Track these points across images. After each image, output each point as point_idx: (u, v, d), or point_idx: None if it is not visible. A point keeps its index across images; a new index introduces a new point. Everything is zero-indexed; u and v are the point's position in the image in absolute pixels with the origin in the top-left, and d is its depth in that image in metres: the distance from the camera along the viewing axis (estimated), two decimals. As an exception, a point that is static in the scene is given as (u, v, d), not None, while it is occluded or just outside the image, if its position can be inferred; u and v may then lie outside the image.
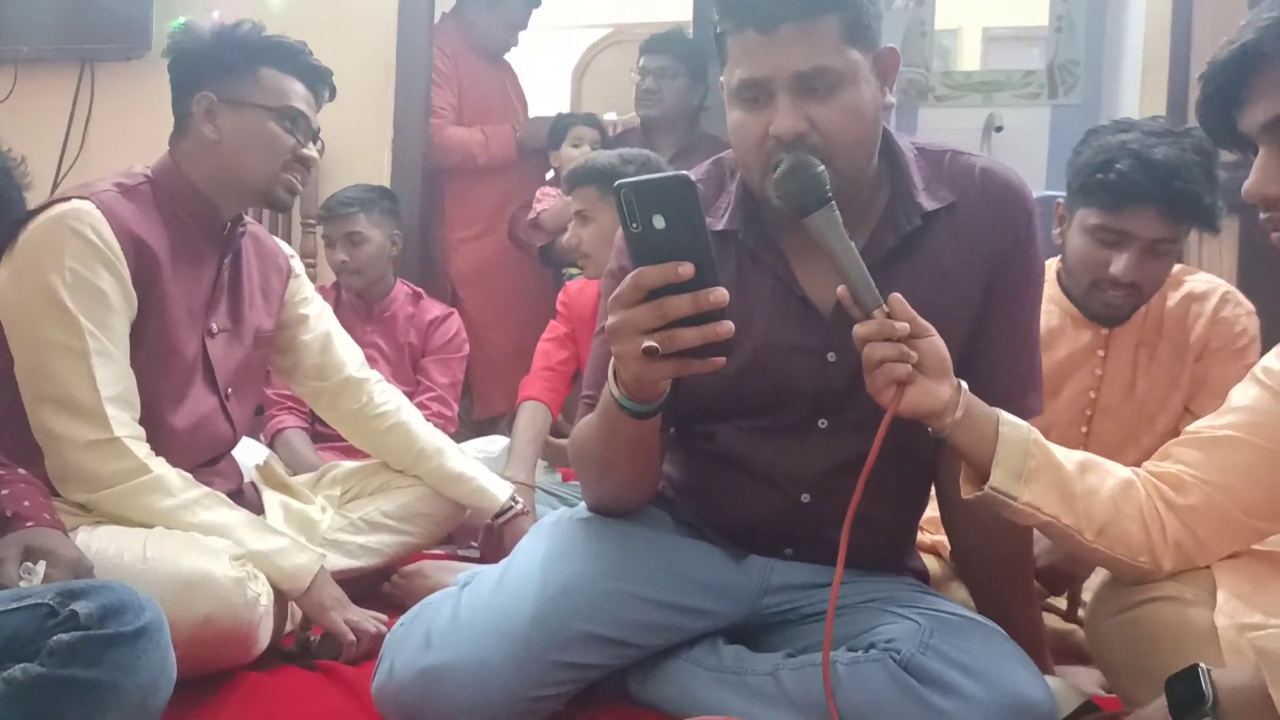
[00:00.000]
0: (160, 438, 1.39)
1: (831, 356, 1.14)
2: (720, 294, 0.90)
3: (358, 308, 2.53)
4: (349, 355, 1.71)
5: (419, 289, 2.63)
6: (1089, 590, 1.38)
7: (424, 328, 2.55)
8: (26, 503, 1.16)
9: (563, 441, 2.17)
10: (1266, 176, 0.95)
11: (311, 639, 1.39)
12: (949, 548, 1.50)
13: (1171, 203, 1.41)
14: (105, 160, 2.75)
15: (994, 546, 1.23)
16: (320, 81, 1.51)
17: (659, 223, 0.90)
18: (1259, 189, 0.96)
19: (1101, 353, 1.60)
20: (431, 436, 1.74)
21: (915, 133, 3.30)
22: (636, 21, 4.19)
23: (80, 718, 0.80)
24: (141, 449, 1.34)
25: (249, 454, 1.85)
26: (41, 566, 1.03)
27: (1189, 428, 1.12)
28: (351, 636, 1.35)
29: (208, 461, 1.51)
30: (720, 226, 1.16)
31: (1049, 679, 1.09)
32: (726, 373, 0.98)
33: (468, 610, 1.13)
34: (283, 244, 1.68)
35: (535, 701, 1.09)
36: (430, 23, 2.99)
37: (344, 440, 1.87)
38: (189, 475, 1.39)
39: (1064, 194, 1.56)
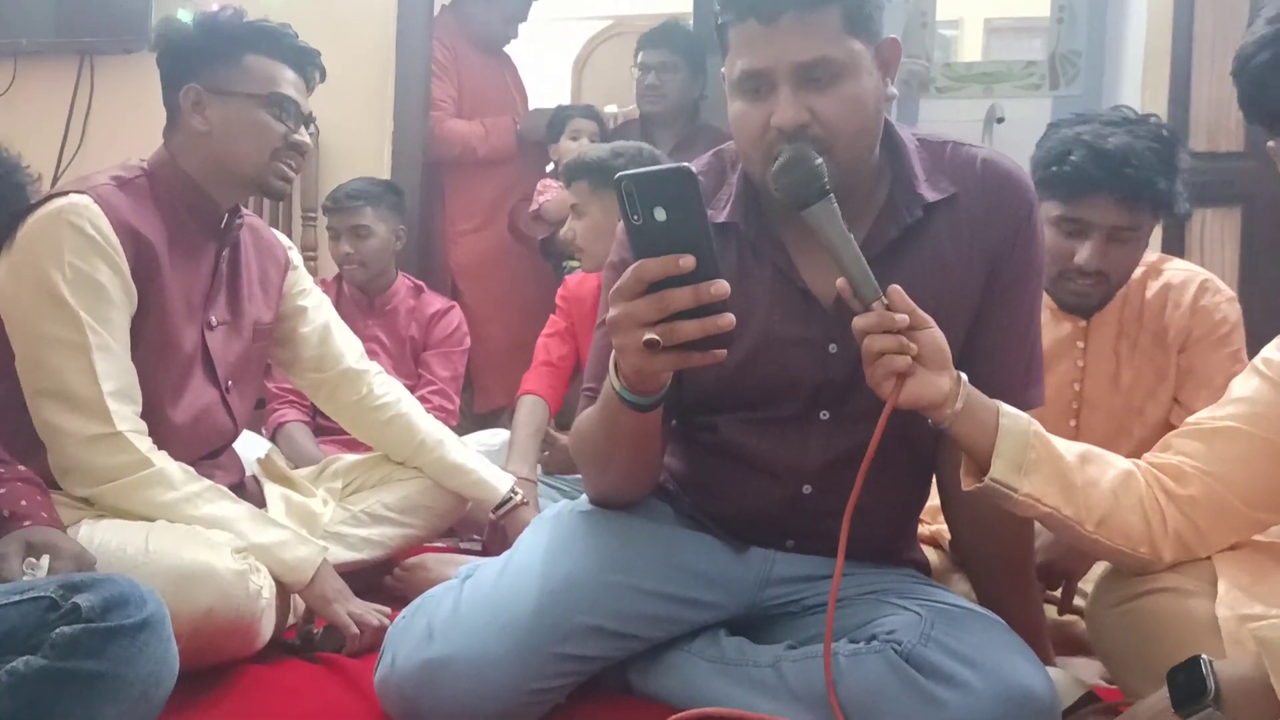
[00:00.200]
0: (161, 431, 1.39)
1: (833, 348, 1.14)
2: (721, 286, 0.90)
3: (359, 301, 2.53)
4: (348, 347, 1.70)
5: (420, 282, 2.63)
6: (1089, 581, 1.39)
7: (425, 321, 2.55)
8: (24, 501, 1.16)
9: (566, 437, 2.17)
10: None
11: (314, 631, 1.40)
12: (948, 538, 1.50)
13: (1125, 190, 1.44)
14: (105, 153, 2.74)
15: (994, 538, 1.23)
16: (308, 63, 1.50)
17: (660, 215, 0.89)
18: None
19: (1081, 344, 1.61)
20: (432, 428, 1.74)
21: (916, 124, 3.29)
22: (637, 13, 4.18)
23: (82, 710, 0.80)
24: (143, 443, 1.34)
25: (250, 447, 1.85)
26: (45, 561, 1.03)
27: (1189, 419, 1.12)
28: (354, 629, 1.36)
29: (209, 455, 1.51)
30: (721, 218, 1.16)
31: (1050, 670, 1.09)
32: (728, 365, 0.97)
33: (469, 603, 1.13)
34: (281, 236, 1.68)
35: (537, 693, 1.09)
36: (430, 15, 2.98)
37: (345, 433, 1.87)
38: (190, 469, 1.39)
39: None
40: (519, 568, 1.16)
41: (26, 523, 1.12)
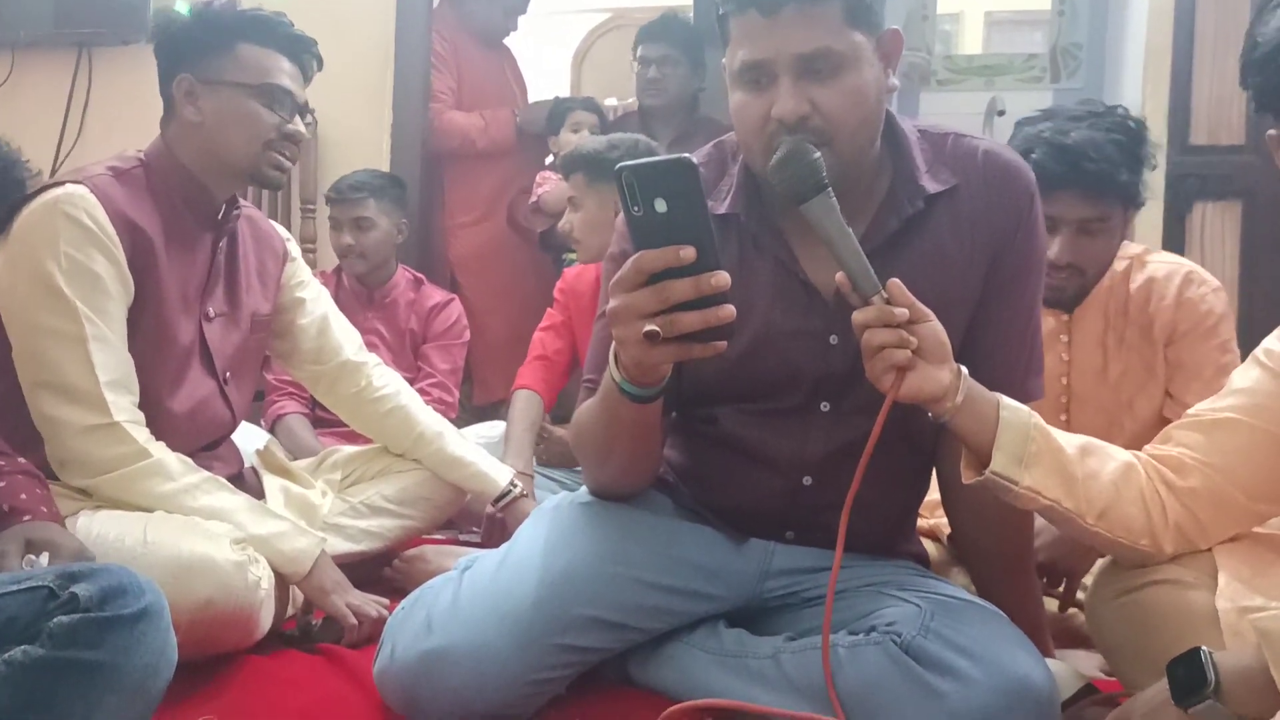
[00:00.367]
0: (159, 422, 1.38)
1: (834, 340, 1.13)
2: (722, 278, 0.90)
3: (359, 294, 2.53)
4: (347, 338, 1.70)
5: (420, 275, 2.63)
6: (1089, 577, 1.39)
7: (425, 314, 2.55)
8: (24, 495, 1.15)
9: (564, 432, 2.17)
10: None
11: (313, 623, 1.40)
12: (947, 532, 1.50)
13: (1087, 184, 1.45)
14: (103, 145, 2.73)
15: (994, 530, 1.23)
16: (304, 52, 1.48)
17: (660, 206, 0.89)
18: None
19: (1065, 338, 1.61)
20: (431, 420, 1.74)
21: (917, 117, 3.29)
22: (635, 6, 4.16)
23: (81, 700, 0.80)
24: (141, 433, 1.34)
25: (249, 439, 1.85)
26: (44, 558, 1.03)
27: (1190, 410, 1.12)
28: (353, 620, 1.36)
29: (207, 446, 1.51)
30: (722, 210, 1.15)
31: (1049, 662, 1.09)
32: (728, 356, 0.97)
33: (468, 594, 1.13)
34: (279, 227, 1.67)
35: (536, 684, 1.09)
36: (429, 8, 2.97)
37: (345, 425, 1.87)
38: (189, 460, 1.39)
39: None
40: (518, 559, 1.16)
41: (26, 517, 1.12)
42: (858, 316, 1.00)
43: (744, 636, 1.17)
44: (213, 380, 1.50)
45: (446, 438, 1.74)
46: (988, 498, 1.06)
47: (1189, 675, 0.88)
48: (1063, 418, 1.62)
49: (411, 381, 2.19)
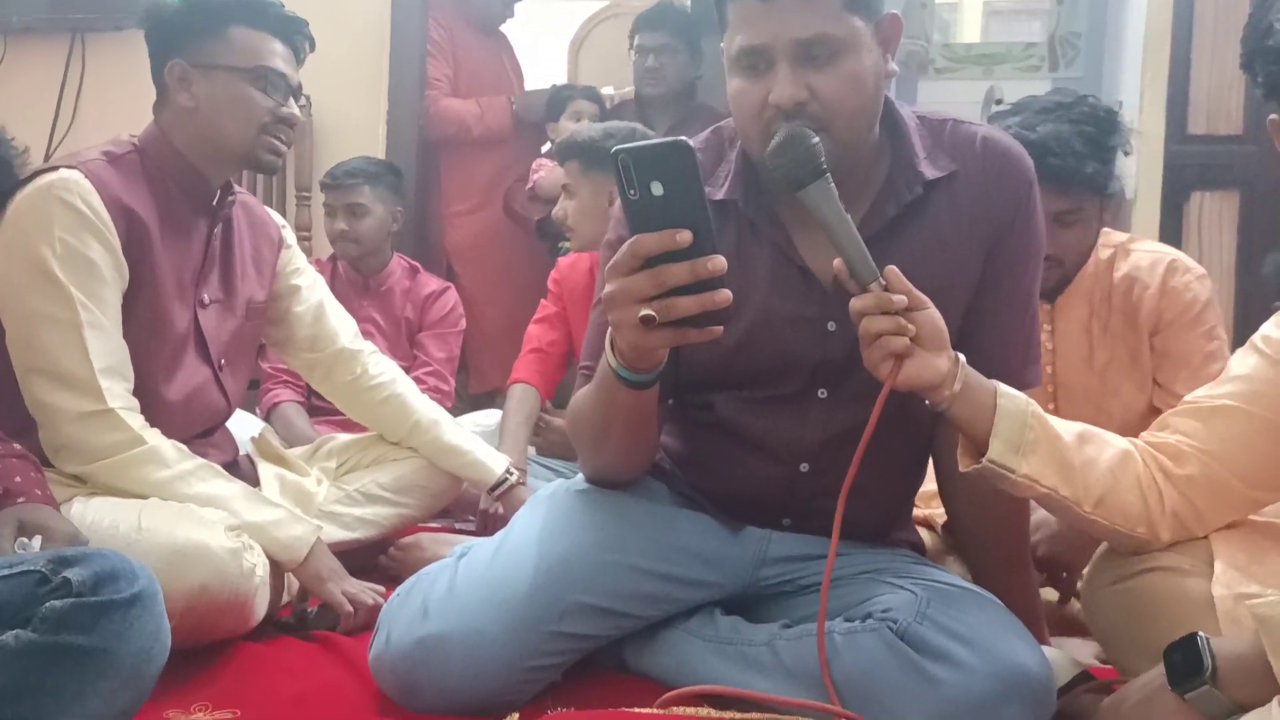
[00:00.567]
0: (154, 409, 1.38)
1: (831, 326, 1.13)
2: (718, 262, 0.89)
3: (354, 282, 2.52)
4: (342, 326, 1.69)
5: (415, 263, 2.62)
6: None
7: (420, 302, 2.55)
8: (18, 478, 1.15)
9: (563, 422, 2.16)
10: None
11: (308, 610, 1.39)
12: (941, 521, 1.50)
13: (1053, 178, 1.45)
14: (96, 131, 2.71)
15: (991, 518, 1.23)
16: (296, 33, 1.47)
17: (657, 189, 0.88)
18: None
19: (1049, 326, 1.61)
20: (427, 409, 1.74)
21: (915, 106, 3.28)
22: (634, -7, 4.14)
23: (73, 684, 0.80)
24: (136, 420, 1.33)
25: (244, 427, 1.84)
26: (37, 541, 1.02)
27: (1187, 397, 1.12)
28: (349, 607, 1.35)
29: (202, 433, 1.51)
30: (720, 196, 1.15)
31: (1045, 649, 1.09)
32: (725, 342, 0.97)
33: (464, 581, 1.13)
34: (274, 214, 1.66)
35: (531, 671, 1.09)
36: (425, -7, 2.95)
37: (340, 414, 1.86)
38: (184, 447, 1.38)
39: None
40: (514, 546, 1.16)
41: (20, 500, 1.11)
42: (855, 304, 1.00)
43: (740, 624, 1.17)
44: (208, 367, 1.49)
45: (442, 426, 1.74)
46: (985, 486, 1.05)
47: (1186, 661, 0.88)
48: (1050, 406, 1.62)
49: (407, 370, 2.18)
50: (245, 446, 1.67)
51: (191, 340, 1.46)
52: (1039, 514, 1.39)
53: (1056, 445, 1.04)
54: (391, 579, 1.48)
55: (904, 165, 1.13)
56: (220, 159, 1.45)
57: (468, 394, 2.98)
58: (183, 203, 1.45)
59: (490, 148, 2.99)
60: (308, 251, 2.68)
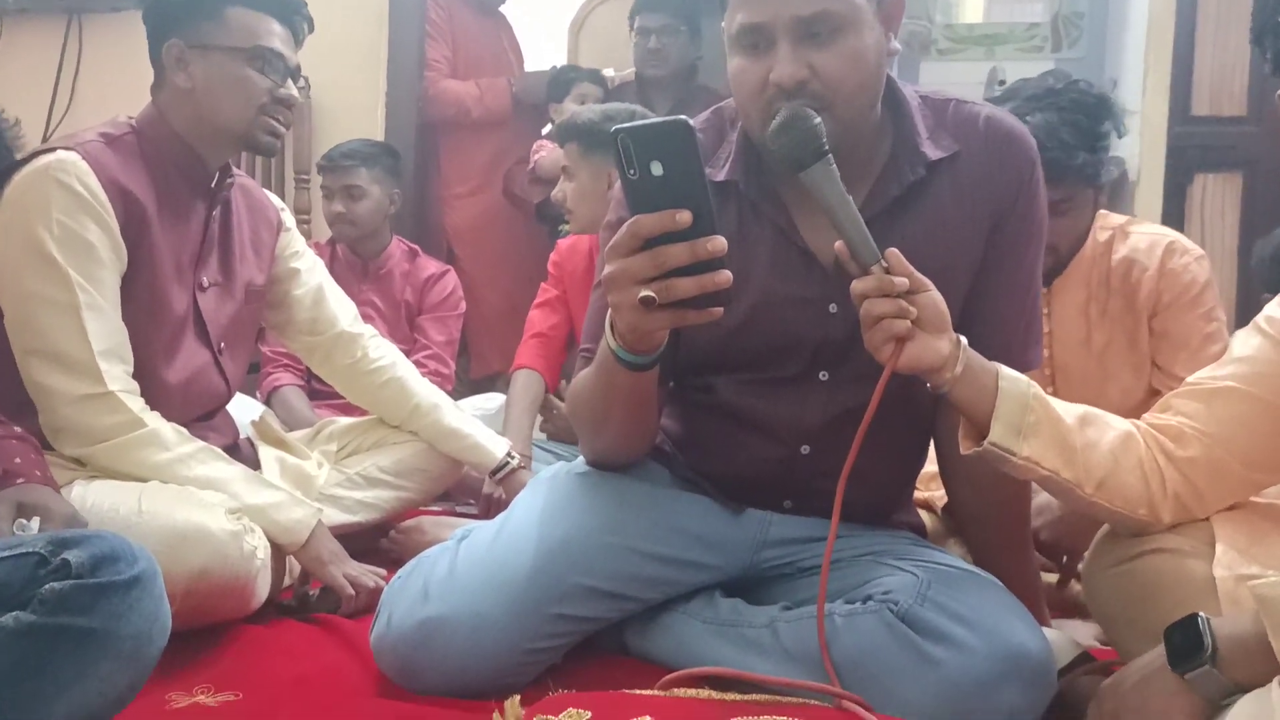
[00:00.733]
0: (153, 392, 1.38)
1: (833, 308, 1.12)
2: (718, 243, 0.88)
3: (353, 265, 2.51)
4: (342, 309, 1.69)
5: (415, 246, 2.61)
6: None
7: (420, 285, 2.54)
8: (18, 459, 1.15)
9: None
10: None
11: (310, 593, 1.40)
12: (941, 504, 1.50)
13: (1044, 171, 1.44)
14: (94, 113, 2.69)
15: (992, 500, 1.22)
16: (294, 14, 1.46)
17: (656, 169, 0.88)
18: None
19: (1046, 310, 1.61)
20: (427, 392, 1.74)
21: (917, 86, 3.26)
22: (633, -25, 4.10)
23: (72, 666, 0.80)
24: (136, 403, 1.33)
25: (244, 411, 1.84)
26: (36, 523, 1.02)
27: (1189, 379, 1.11)
28: (350, 590, 1.36)
29: (202, 416, 1.51)
30: (721, 177, 1.14)
31: (1046, 631, 1.10)
32: (726, 324, 0.96)
33: (465, 563, 1.13)
34: (273, 197, 1.65)
35: (532, 653, 1.09)
36: (423, -26, 2.93)
37: (341, 398, 1.86)
38: (184, 430, 1.38)
39: None
40: (515, 529, 1.16)
41: (19, 481, 1.11)
42: (857, 286, 0.99)
43: (740, 606, 1.17)
44: (207, 351, 1.49)
45: (443, 409, 1.73)
46: (986, 468, 1.05)
47: (1186, 641, 0.87)
48: (1049, 389, 1.62)
49: (407, 353, 2.18)
50: (246, 430, 1.67)
51: (191, 323, 1.46)
52: (1041, 497, 1.39)
53: (1058, 427, 1.03)
54: (392, 562, 1.48)
55: (906, 145, 1.12)
56: (218, 140, 1.44)
57: (468, 377, 2.98)
58: (181, 185, 1.44)
59: (489, 129, 2.98)
60: (307, 235, 2.67)
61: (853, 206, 1.00)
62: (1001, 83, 3.02)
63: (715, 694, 1.02)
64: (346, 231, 2.48)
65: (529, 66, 3.20)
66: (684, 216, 0.88)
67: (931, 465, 1.30)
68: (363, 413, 1.79)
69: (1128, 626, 1.09)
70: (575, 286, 2.17)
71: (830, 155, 0.99)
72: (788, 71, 1.03)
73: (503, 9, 3.15)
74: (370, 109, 2.90)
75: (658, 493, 1.21)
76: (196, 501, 1.27)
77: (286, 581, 1.42)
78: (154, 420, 1.34)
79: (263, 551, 1.29)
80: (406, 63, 2.89)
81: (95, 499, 1.26)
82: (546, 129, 2.93)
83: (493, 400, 2.34)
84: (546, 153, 2.71)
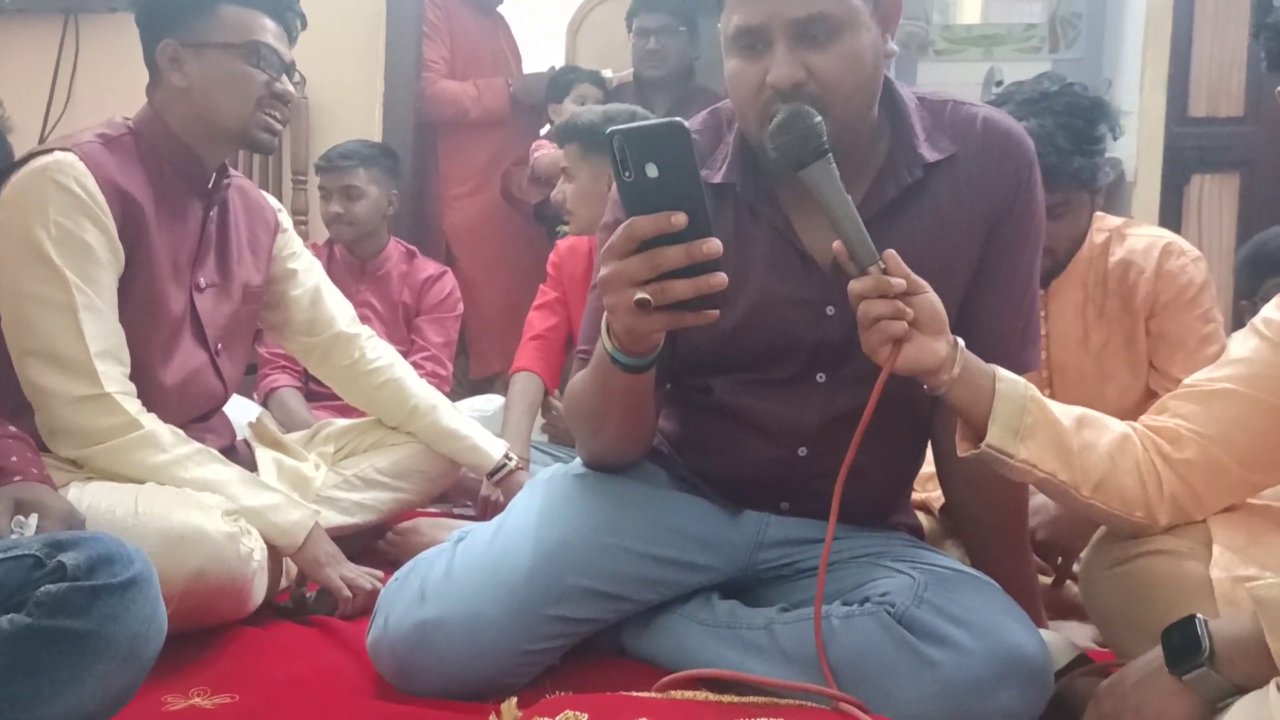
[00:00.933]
0: (150, 393, 1.37)
1: (830, 310, 1.12)
2: (714, 245, 0.88)
3: (351, 266, 2.51)
4: (339, 310, 1.69)
5: (413, 247, 2.61)
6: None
7: (418, 286, 2.54)
8: (14, 458, 1.15)
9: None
10: None
11: (307, 595, 1.40)
12: (938, 505, 1.50)
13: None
14: (91, 113, 2.68)
15: (989, 502, 1.22)
16: (287, 10, 1.46)
17: (651, 171, 0.88)
18: None
19: (1043, 312, 1.61)
20: (425, 393, 1.73)
21: (915, 87, 3.26)
22: (632, -25, 4.10)
23: (68, 668, 0.79)
24: (132, 404, 1.33)
25: (241, 412, 1.84)
26: (34, 519, 1.02)
27: (1187, 380, 1.11)
28: (347, 592, 1.35)
29: (199, 418, 1.50)
30: (718, 179, 1.14)
31: (1043, 632, 1.10)
32: (723, 326, 0.96)
33: (462, 565, 1.13)
34: (270, 198, 1.65)
35: (529, 655, 1.09)
36: (421, -26, 2.93)
37: (338, 399, 1.86)
38: (181, 431, 1.38)
39: None
40: (512, 530, 1.16)
41: (16, 478, 1.11)
42: (854, 286, 0.99)
43: (737, 608, 1.17)
44: (204, 351, 1.49)
45: (440, 410, 1.73)
46: (983, 469, 1.05)
47: (1183, 642, 0.88)
48: (1046, 391, 1.62)
49: (404, 354, 2.18)
50: (243, 431, 1.66)
51: (188, 324, 1.46)
52: (1037, 499, 1.39)
53: (1055, 430, 1.03)
54: (389, 563, 1.48)
55: (904, 147, 1.12)
56: (215, 138, 1.44)
57: (466, 379, 2.98)
58: (178, 185, 1.44)
59: (488, 130, 2.98)
60: (305, 235, 2.68)
61: (852, 206, 1.00)
62: (999, 83, 3.02)
63: (713, 696, 1.02)
64: (344, 232, 2.48)
65: (527, 67, 3.20)
66: (679, 218, 0.88)
67: (929, 466, 1.30)
68: (360, 414, 1.79)
69: (1125, 628, 1.09)
70: (575, 288, 2.16)
71: (830, 154, 0.99)
72: (784, 73, 1.03)
73: (500, 9, 3.15)
74: (368, 109, 2.90)
75: (655, 494, 1.21)
76: (193, 503, 1.27)
77: (283, 583, 1.42)
78: (151, 422, 1.34)
79: (259, 553, 1.29)
80: (404, 63, 2.89)
81: (92, 500, 1.26)
82: (545, 130, 2.93)
83: (491, 402, 2.34)
84: (545, 153, 2.71)
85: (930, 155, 1.12)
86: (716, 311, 0.91)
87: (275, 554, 1.35)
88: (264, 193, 1.66)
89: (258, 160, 2.84)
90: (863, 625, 1.05)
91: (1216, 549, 1.02)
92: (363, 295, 2.45)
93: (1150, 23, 2.76)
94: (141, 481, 1.30)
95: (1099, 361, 1.63)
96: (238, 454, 1.56)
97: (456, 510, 2.01)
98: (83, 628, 0.79)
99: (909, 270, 0.99)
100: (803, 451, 1.17)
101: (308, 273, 1.66)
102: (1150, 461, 1.06)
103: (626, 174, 0.88)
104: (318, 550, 1.38)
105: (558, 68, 2.98)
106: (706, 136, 1.18)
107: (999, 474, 1.05)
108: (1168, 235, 1.65)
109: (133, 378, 1.36)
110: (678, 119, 0.89)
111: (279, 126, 1.47)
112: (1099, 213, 1.65)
